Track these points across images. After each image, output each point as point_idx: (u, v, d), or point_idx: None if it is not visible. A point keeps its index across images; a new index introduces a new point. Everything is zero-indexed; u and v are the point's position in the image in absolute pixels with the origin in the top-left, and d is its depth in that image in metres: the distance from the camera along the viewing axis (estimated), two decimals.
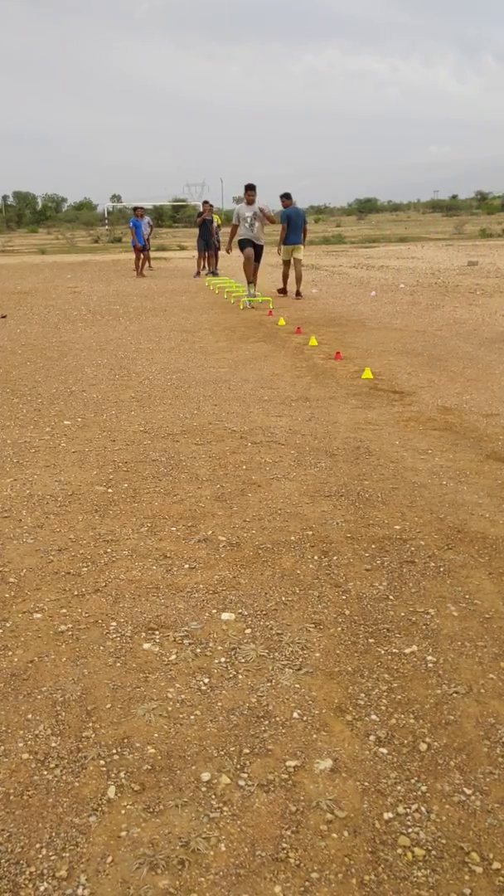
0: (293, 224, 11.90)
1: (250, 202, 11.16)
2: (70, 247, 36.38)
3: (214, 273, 16.89)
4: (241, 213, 11.21)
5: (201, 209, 17.55)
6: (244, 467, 3.89)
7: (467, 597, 2.54)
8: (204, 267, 17.67)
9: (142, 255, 17.47)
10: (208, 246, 16.82)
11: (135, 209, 18.17)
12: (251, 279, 11.35)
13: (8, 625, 2.42)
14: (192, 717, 1.95)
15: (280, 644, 2.28)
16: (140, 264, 17.51)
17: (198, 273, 17.24)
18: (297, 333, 8.44)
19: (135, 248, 17.51)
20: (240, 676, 2.12)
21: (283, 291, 12.51)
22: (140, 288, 14.64)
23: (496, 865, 1.51)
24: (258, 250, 11.35)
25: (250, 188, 11.18)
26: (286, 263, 12.21)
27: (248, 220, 11.08)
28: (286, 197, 12.02)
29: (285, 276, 12.46)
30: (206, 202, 17.31)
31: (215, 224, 16.70)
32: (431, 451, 4.12)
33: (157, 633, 2.35)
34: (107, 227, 57.68)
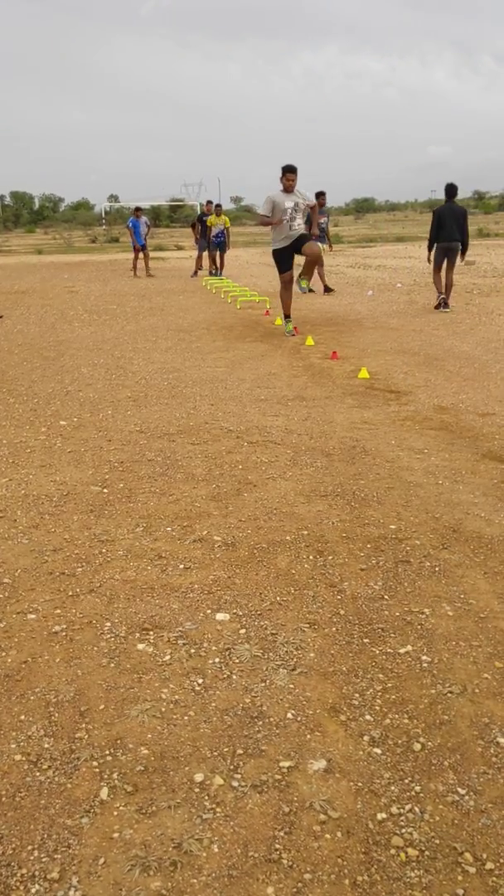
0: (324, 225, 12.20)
1: (289, 189, 8.03)
2: (67, 247, 36.35)
3: (212, 273, 16.80)
4: (277, 202, 8.02)
5: (201, 210, 17.56)
6: (240, 467, 3.88)
7: (462, 596, 2.54)
8: (201, 268, 17.65)
9: (140, 255, 17.44)
10: (210, 246, 16.63)
11: (136, 209, 18.19)
12: (289, 312, 8.38)
13: (2, 625, 2.41)
14: (185, 717, 1.95)
15: (275, 644, 2.27)
16: (136, 264, 17.49)
17: (195, 273, 17.18)
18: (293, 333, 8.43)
19: (134, 248, 17.50)
20: (234, 677, 2.11)
21: (328, 290, 12.58)
22: (137, 288, 14.63)
23: (489, 866, 1.50)
24: (298, 245, 8.09)
25: (290, 170, 8.02)
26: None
27: (289, 213, 7.99)
28: (322, 195, 12.26)
29: (322, 275, 12.50)
30: (209, 202, 17.25)
31: (223, 227, 16.25)
32: (427, 451, 4.11)
33: (151, 633, 2.34)
34: (104, 227, 57.66)
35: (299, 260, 8.48)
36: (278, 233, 8.20)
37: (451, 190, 10.03)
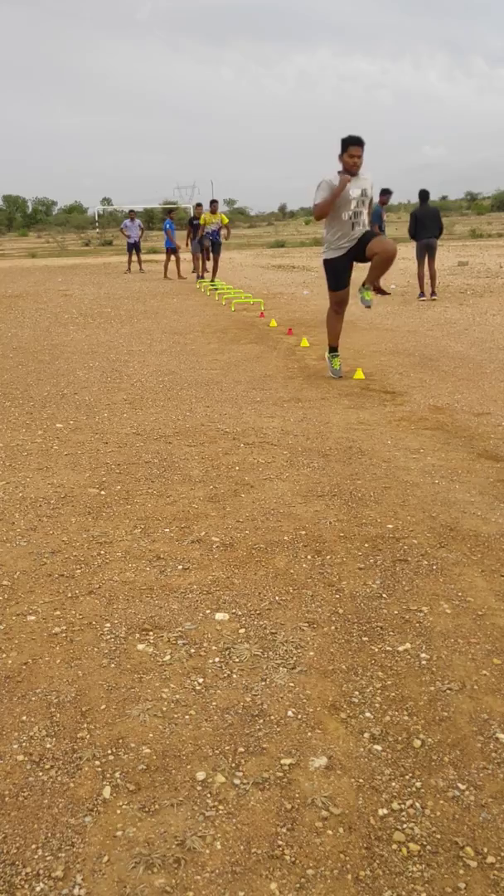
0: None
1: (353, 170, 5.64)
2: (61, 250, 36.32)
3: (201, 277, 16.71)
4: (339, 186, 5.63)
5: (193, 213, 17.51)
6: (237, 468, 3.89)
7: (460, 594, 2.55)
8: (193, 270, 17.67)
9: (173, 258, 17.38)
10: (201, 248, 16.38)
11: (130, 212, 18.26)
12: (336, 343, 6.27)
13: (2, 627, 2.41)
14: (186, 716, 1.96)
15: (274, 643, 2.28)
16: (167, 266, 17.46)
17: (201, 275, 17.07)
18: (288, 335, 8.46)
19: (167, 251, 17.49)
20: (234, 676, 2.12)
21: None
22: (131, 290, 14.64)
23: (491, 859, 1.52)
24: (360, 248, 5.81)
25: (355, 142, 5.60)
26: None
27: (354, 204, 5.71)
28: (388, 193, 12.47)
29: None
30: (198, 205, 17.19)
31: (219, 225, 15.44)
32: (423, 451, 4.13)
33: (151, 633, 2.35)
34: (97, 230, 57.64)
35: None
36: (335, 232, 5.86)
37: (424, 195, 11.88)
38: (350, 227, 5.80)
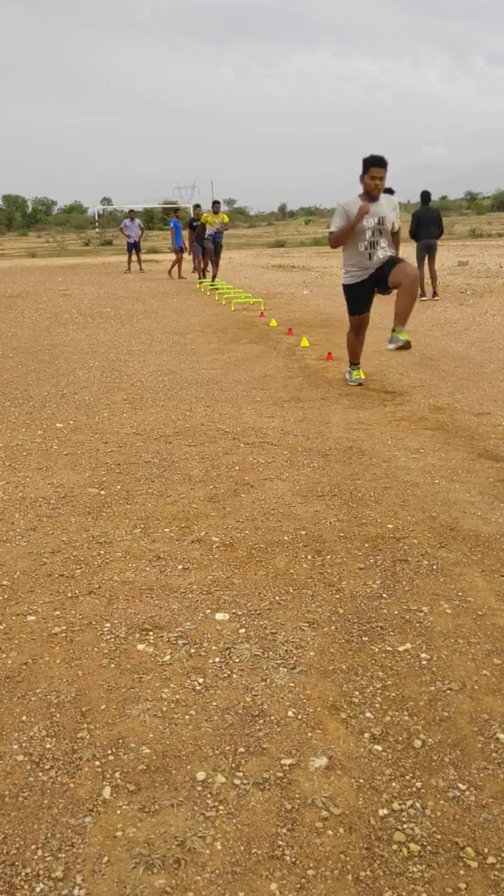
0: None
1: (374, 194, 5.31)
2: (60, 250, 36.32)
3: (202, 278, 16.68)
4: (353, 216, 5.31)
5: (193, 214, 17.47)
6: (237, 468, 3.89)
7: (460, 594, 2.55)
8: (194, 270, 17.66)
9: (179, 258, 17.37)
10: (204, 250, 16.16)
11: (130, 212, 18.27)
12: (356, 360, 5.99)
13: (1, 627, 2.41)
14: (186, 717, 1.96)
15: (274, 643, 2.28)
16: (178, 266, 17.46)
17: (202, 273, 17.04)
18: (288, 334, 8.46)
19: (174, 251, 17.49)
20: (234, 676, 2.12)
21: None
22: (131, 290, 14.64)
23: (491, 860, 1.52)
24: (382, 275, 5.43)
25: (377, 163, 5.20)
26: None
27: (370, 234, 5.37)
28: (389, 192, 12.25)
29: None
30: (197, 206, 17.18)
31: (220, 224, 15.11)
32: (423, 451, 4.13)
33: (151, 633, 2.35)
34: (97, 230, 57.65)
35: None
36: (352, 261, 5.56)
37: (426, 196, 12.08)
38: (367, 258, 5.47)
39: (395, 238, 5.61)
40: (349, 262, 5.61)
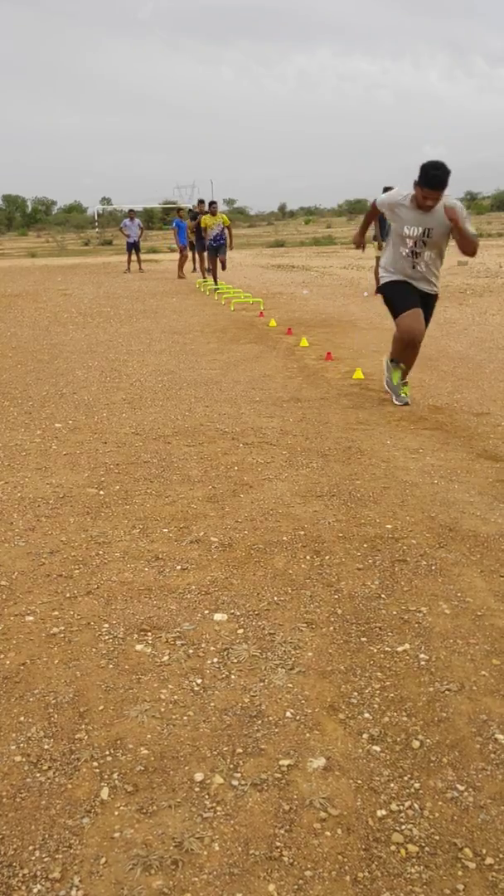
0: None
1: (427, 204, 4.59)
2: (60, 250, 36.32)
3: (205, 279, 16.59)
4: (398, 222, 4.81)
5: (196, 208, 17.39)
6: (236, 468, 3.89)
7: (459, 595, 2.55)
8: (194, 269, 17.63)
9: (184, 256, 17.34)
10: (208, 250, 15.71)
11: (130, 212, 18.27)
12: (404, 367, 5.21)
13: (0, 627, 2.41)
14: (184, 717, 1.95)
15: (272, 644, 2.28)
16: (181, 265, 17.43)
17: (205, 274, 16.91)
18: (287, 334, 8.45)
19: (179, 250, 17.46)
20: (232, 677, 2.12)
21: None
22: (130, 290, 14.63)
23: (489, 861, 1.51)
24: (426, 306, 5.02)
25: (434, 183, 4.50)
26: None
27: (412, 243, 4.78)
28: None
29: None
30: (200, 201, 17.04)
31: (221, 227, 14.08)
32: (423, 451, 4.13)
33: (149, 634, 2.35)
34: (97, 229, 57.65)
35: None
36: (394, 262, 4.97)
37: None
38: (409, 266, 4.89)
39: (466, 241, 4.69)
40: (391, 264, 4.99)
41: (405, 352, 5.03)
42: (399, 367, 5.13)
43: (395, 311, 4.98)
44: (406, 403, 5.06)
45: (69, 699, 2.03)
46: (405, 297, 4.90)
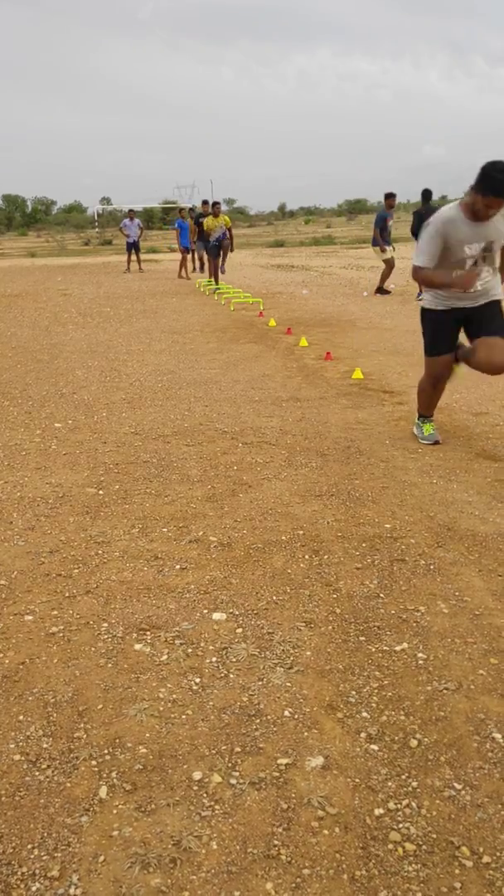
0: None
1: (489, 214, 3.75)
2: (60, 249, 36.32)
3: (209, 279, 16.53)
4: (453, 242, 3.85)
5: (200, 209, 17.36)
6: (235, 468, 3.89)
7: (457, 594, 2.55)
8: (194, 269, 17.62)
9: (185, 258, 17.31)
10: (210, 251, 15.44)
11: (129, 212, 18.28)
12: (429, 412, 4.45)
13: None
14: (183, 716, 1.96)
15: (271, 643, 2.28)
16: (185, 265, 17.40)
17: (202, 269, 16.84)
18: (287, 334, 8.46)
19: (181, 251, 17.43)
20: (231, 676, 2.12)
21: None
22: (130, 290, 14.64)
23: (486, 859, 1.52)
24: (482, 322, 4.05)
25: (498, 190, 3.60)
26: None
27: (468, 263, 3.91)
28: (391, 196, 12.30)
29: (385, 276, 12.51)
30: (205, 202, 17.02)
31: (224, 228, 13.88)
32: (421, 450, 4.13)
33: (148, 633, 2.35)
34: (97, 229, 57.67)
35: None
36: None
37: (427, 194, 11.67)
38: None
39: None
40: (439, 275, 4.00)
41: (431, 391, 4.38)
42: (429, 420, 4.44)
43: (427, 350, 4.30)
44: (437, 441, 4.35)
45: (68, 698, 2.04)
46: (441, 340, 4.23)
